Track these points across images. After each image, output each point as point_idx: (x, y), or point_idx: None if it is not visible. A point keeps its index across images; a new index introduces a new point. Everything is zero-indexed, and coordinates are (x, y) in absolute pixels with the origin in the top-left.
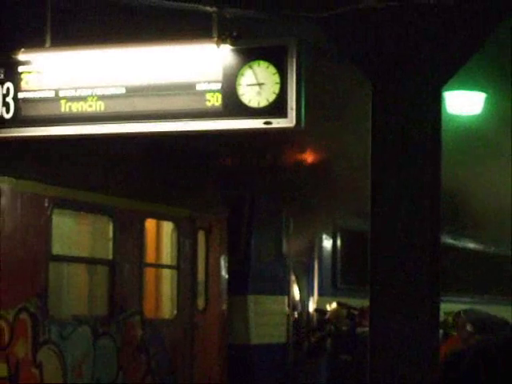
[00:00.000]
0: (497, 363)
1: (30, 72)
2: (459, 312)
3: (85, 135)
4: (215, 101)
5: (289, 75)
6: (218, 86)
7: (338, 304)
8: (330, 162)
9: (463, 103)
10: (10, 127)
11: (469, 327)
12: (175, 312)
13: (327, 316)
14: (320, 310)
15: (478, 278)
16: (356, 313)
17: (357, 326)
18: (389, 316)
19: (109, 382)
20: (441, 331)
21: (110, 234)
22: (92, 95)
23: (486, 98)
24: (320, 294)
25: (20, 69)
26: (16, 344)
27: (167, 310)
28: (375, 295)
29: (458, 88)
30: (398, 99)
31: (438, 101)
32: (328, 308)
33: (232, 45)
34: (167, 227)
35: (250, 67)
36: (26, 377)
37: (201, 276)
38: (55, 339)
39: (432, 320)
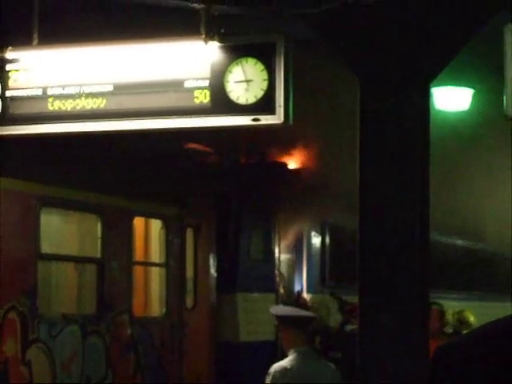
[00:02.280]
0: (501, 351)
1: (17, 70)
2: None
3: (73, 133)
4: (203, 98)
5: (277, 72)
6: (206, 82)
7: (331, 295)
8: (319, 159)
9: (451, 99)
10: None
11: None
12: (164, 310)
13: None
14: (306, 308)
15: (469, 275)
16: (347, 307)
17: (346, 323)
18: (378, 312)
19: (98, 381)
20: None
21: (99, 233)
22: (80, 93)
23: (474, 94)
24: (309, 291)
25: (7, 67)
26: (5, 343)
27: (156, 308)
28: (364, 292)
29: (445, 84)
30: (385, 94)
31: (425, 96)
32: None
33: (220, 42)
34: (156, 225)
35: (238, 64)
36: (15, 375)
37: (189, 274)
38: (44, 338)
39: (421, 316)
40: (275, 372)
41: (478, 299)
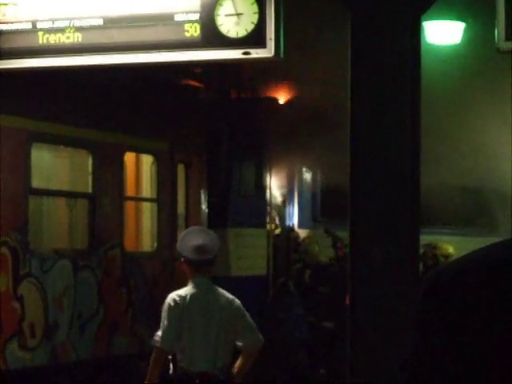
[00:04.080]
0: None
1: (6, 4)
2: None
3: (63, 67)
4: (193, 31)
5: (267, 5)
6: (197, 16)
7: (325, 231)
8: (309, 95)
9: (442, 33)
10: None
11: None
12: (155, 245)
13: (300, 248)
14: (297, 242)
15: (459, 210)
16: (339, 244)
17: (338, 259)
18: (368, 248)
19: (90, 315)
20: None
21: (90, 168)
22: (69, 26)
23: (466, 28)
24: (300, 227)
25: None
26: None
27: (147, 243)
28: (355, 227)
29: (437, 18)
30: (376, 28)
31: (417, 30)
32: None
33: None
34: (147, 160)
35: None
36: (7, 310)
37: (181, 209)
38: (36, 273)
39: (412, 250)
40: (170, 299)
41: (463, 234)
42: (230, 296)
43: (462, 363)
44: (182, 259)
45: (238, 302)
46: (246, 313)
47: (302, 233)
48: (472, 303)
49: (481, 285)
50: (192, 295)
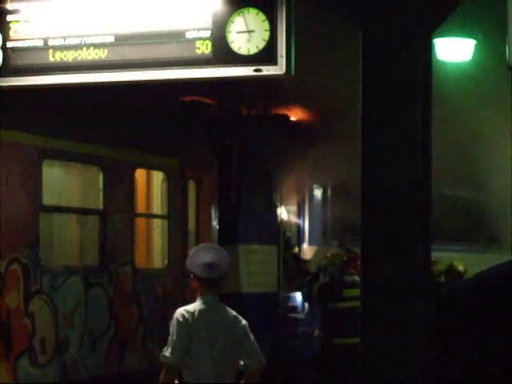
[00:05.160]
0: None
1: (18, 21)
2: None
3: (74, 84)
4: (205, 48)
5: (278, 22)
6: (208, 33)
7: (339, 246)
8: (321, 112)
9: (453, 50)
10: None
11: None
12: (166, 262)
13: (323, 263)
14: (303, 260)
15: (469, 227)
16: (344, 259)
17: (345, 273)
18: (380, 264)
19: (101, 332)
20: None
21: (101, 185)
22: (81, 44)
23: (476, 45)
24: (310, 244)
25: (8, 18)
26: (8, 295)
27: (158, 259)
28: (366, 244)
29: (448, 35)
30: (388, 46)
31: (428, 47)
32: (327, 255)
33: None
34: (157, 177)
35: (240, 14)
36: (18, 327)
37: (191, 226)
38: (47, 290)
39: (423, 267)
40: (178, 314)
41: (473, 250)
42: (238, 315)
43: (478, 373)
44: (192, 275)
45: (244, 321)
46: (251, 334)
47: (329, 249)
48: (492, 316)
49: (499, 299)
50: (200, 311)
